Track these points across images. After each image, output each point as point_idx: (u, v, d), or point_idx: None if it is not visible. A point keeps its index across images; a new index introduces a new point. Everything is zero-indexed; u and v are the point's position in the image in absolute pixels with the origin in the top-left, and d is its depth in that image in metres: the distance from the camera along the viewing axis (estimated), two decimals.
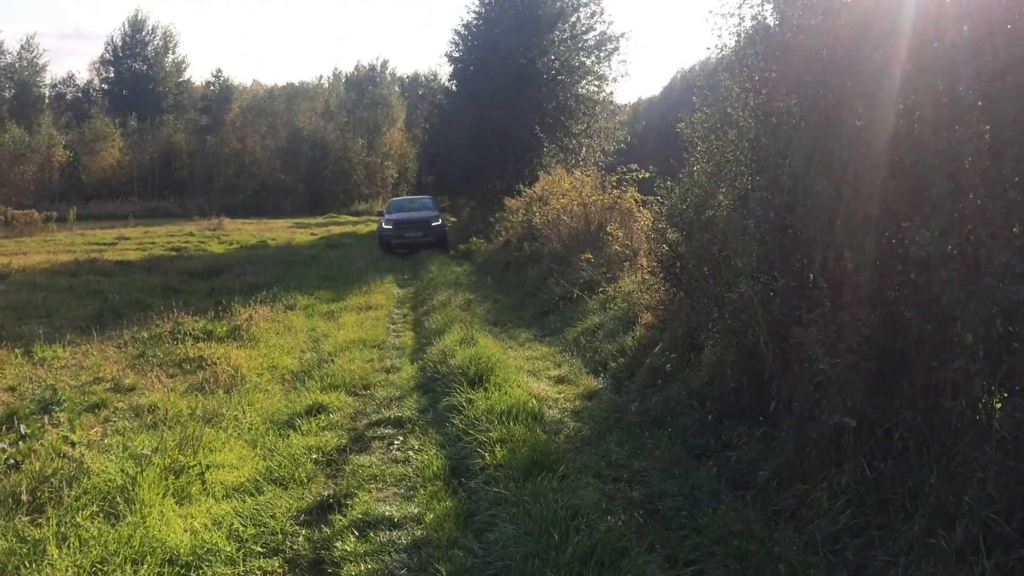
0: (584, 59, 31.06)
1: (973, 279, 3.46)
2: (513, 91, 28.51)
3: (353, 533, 4.32)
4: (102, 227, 34.07)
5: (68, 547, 4.09)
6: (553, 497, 4.04)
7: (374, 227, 30.13)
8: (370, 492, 4.97)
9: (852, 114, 4.43)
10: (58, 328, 10.65)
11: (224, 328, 10.43)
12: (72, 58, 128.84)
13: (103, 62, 66.76)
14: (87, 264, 18.28)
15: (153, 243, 25.39)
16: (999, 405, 3.44)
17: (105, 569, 3.90)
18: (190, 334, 10.04)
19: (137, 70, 65.64)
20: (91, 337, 10.00)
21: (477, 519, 4.29)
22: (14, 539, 4.18)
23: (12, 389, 7.75)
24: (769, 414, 4.85)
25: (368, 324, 11.25)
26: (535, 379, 7.58)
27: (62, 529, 4.30)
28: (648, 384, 6.51)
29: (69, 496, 4.69)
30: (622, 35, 30.74)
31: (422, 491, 4.83)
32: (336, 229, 35.01)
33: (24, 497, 4.64)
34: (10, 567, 3.86)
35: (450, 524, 4.23)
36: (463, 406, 6.15)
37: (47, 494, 4.73)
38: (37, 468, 5.02)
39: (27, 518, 4.47)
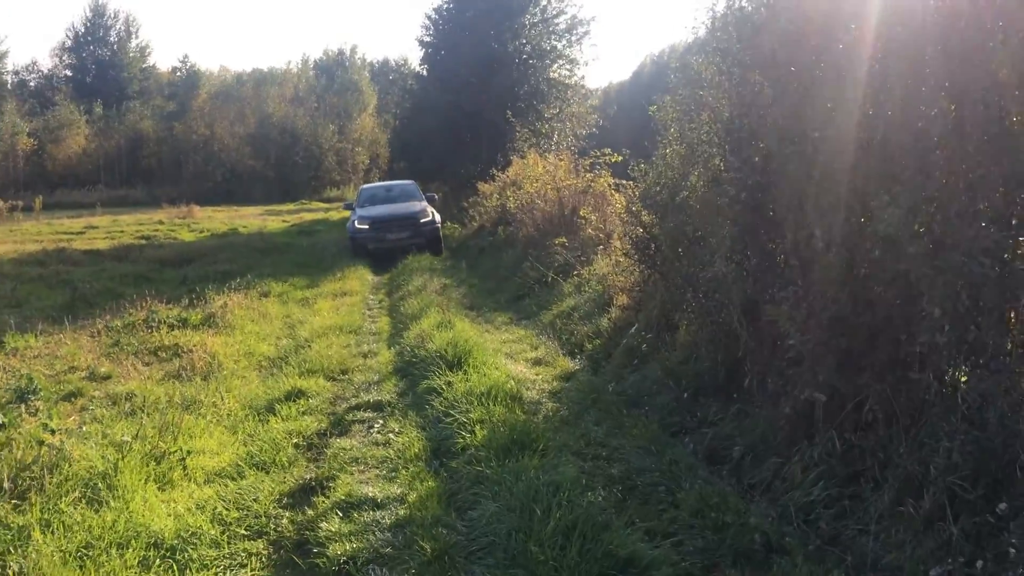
0: (555, 43, 31.09)
1: (940, 255, 3.57)
2: (485, 75, 28.45)
3: (337, 514, 4.37)
4: (69, 216, 33.53)
5: (52, 532, 4.11)
6: (534, 474, 4.12)
7: (347, 214, 26.79)
8: (352, 474, 5.02)
9: (823, 95, 4.52)
10: (29, 318, 10.50)
11: (199, 316, 10.39)
12: (31, 45, 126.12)
13: (64, 48, 65.58)
14: (56, 253, 18.04)
15: (122, 232, 25.05)
16: (964, 378, 3.56)
17: (91, 554, 3.92)
18: (164, 322, 9.99)
19: (100, 56, 64.52)
20: (63, 327, 9.89)
21: (460, 498, 4.36)
22: None
23: None
24: (743, 391, 4.96)
25: (344, 310, 11.25)
26: (513, 361, 7.65)
27: (45, 515, 4.31)
28: (624, 364, 6.61)
29: (51, 483, 4.69)
30: (592, 19, 31.01)
31: (404, 472, 4.90)
32: (308, 216, 34.76)
33: (6, 485, 4.63)
34: None
35: (433, 503, 4.29)
36: (442, 388, 6.21)
37: (28, 481, 4.72)
38: (18, 456, 5.01)
39: (9, 505, 4.48)
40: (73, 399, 7.06)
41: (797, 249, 4.54)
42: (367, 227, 17.76)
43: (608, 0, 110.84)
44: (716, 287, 5.23)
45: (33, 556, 3.80)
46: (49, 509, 4.39)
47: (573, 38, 31.11)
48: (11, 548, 3.95)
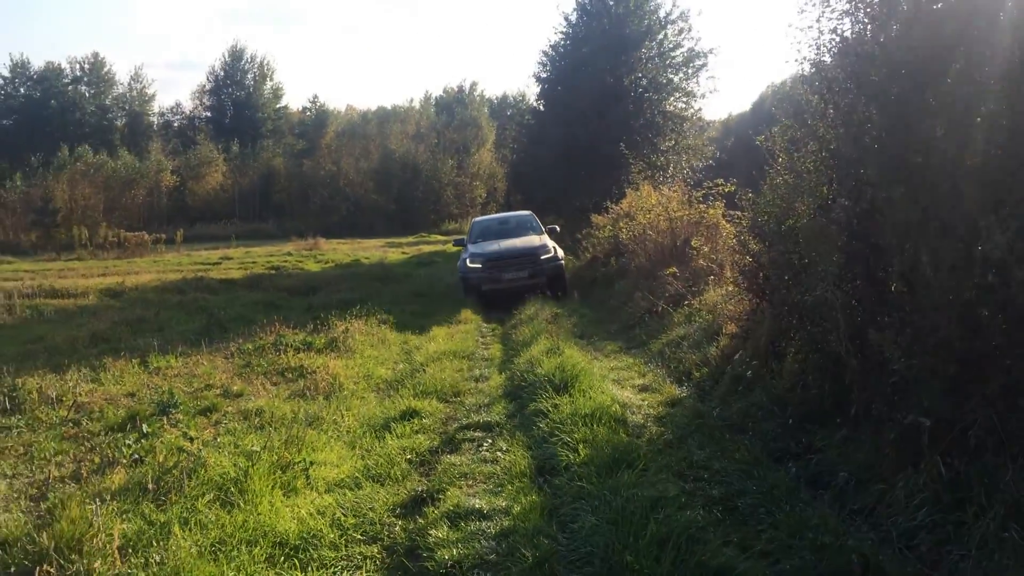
0: (672, 76, 31.11)
1: None
2: (600, 109, 28.74)
3: (445, 523, 4.60)
4: (206, 248, 35.74)
5: (190, 529, 4.51)
6: (633, 491, 4.24)
7: (459, 250, 26.51)
8: (460, 488, 5.25)
9: (932, 124, 4.52)
10: (170, 341, 11.29)
11: (322, 340, 10.97)
12: (177, 87, 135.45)
13: (205, 91, 70.19)
14: (194, 282, 19.30)
15: (254, 262, 26.47)
16: None
17: (224, 549, 4.29)
18: (291, 346, 10.61)
19: (237, 97, 68.82)
20: (200, 349, 10.63)
21: (561, 512, 4.53)
22: (143, 522, 4.62)
23: (132, 395, 8.37)
24: (849, 418, 4.93)
25: (458, 337, 11.61)
26: (619, 387, 7.76)
27: (183, 514, 4.73)
28: (730, 391, 6.62)
29: (189, 486, 5.14)
30: (710, 51, 30.72)
31: (509, 487, 5.10)
32: (426, 248, 35.79)
33: (150, 486, 5.10)
34: (141, 544, 4.29)
35: (535, 515, 4.47)
36: (549, 411, 6.40)
37: (169, 484, 5.19)
38: (160, 460, 5.51)
39: (152, 504, 4.94)
40: (208, 414, 7.61)
41: (904, 275, 4.52)
42: (479, 266, 15.84)
43: (729, 31, 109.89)
44: (823, 314, 5.23)
45: (173, 549, 4.19)
46: (187, 509, 4.82)
47: (690, 71, 31.10)
48: (153, 542, 4.36)
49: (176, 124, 71.09)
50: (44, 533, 4.34)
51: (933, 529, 3.78)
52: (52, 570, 3.97)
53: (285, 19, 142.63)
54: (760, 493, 4.62)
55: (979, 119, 4.22)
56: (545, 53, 33.42)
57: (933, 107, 4.45)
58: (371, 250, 33.65)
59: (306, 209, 52.65)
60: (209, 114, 69.73)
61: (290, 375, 9.32)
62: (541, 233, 17.39)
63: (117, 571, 3.99)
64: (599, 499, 4.34)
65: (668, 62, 31.05)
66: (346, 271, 23.31)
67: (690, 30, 30.79)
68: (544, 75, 33.67)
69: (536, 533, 4.20)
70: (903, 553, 3.69)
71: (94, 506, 4.58)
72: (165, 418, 7.02)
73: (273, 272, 23.03)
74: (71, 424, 7.21)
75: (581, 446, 5.28)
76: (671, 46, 31.00)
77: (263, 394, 8.40)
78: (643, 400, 7.26)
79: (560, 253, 16.57)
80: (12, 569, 4.12)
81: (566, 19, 32.38)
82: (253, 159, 57.79)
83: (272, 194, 55.94)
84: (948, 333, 4.10)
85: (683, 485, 4.78)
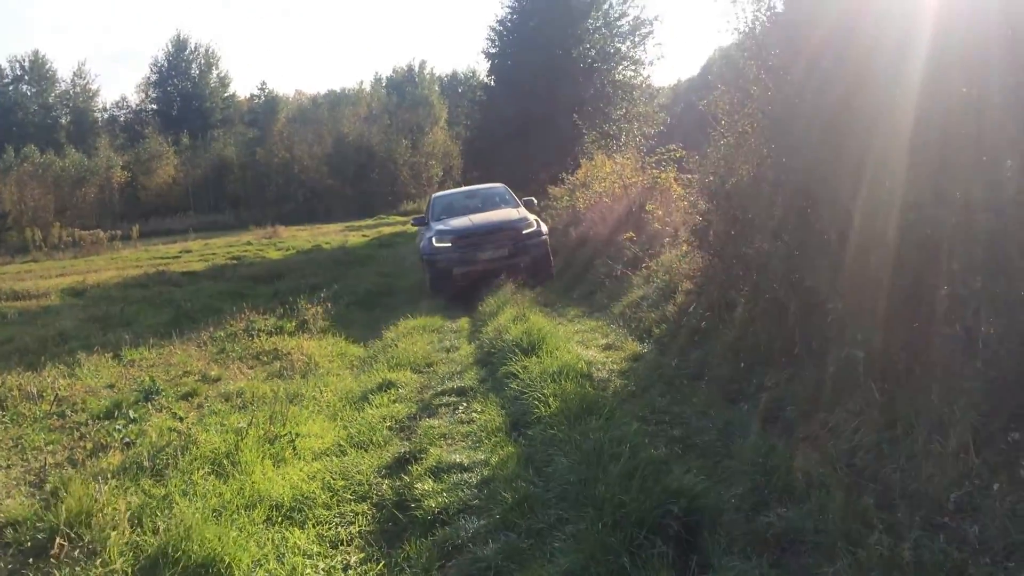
0: (619, 45, 31.53)
1: (962, 216, 3.96)
2: (551, 82, 29.04)
3: (429, 477, 4.96)
4: (164, 242, 35.44)
5: (191, 499, 4.81)
6: (601, 434, 4.64)
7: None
8: (440, 447, 5.60)
9: (850, 83, 4.95)
10: (140, 334, 11.37)
11: (293, 324, 11.22)
12: (120, 80, 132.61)
13: (150, 83, 69.00)
14: (157, 276, 19.22)
15: (214, 254, 26.36)
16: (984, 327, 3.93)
17: (224, 513, 4.59)
18: (263, 331, 10.84)
19: (183, 88, 67.76)
20: (172, 340, 10.77)
21: (536, 458, 4.91)
22: (144, 496, 4.91)
23: (111, 386, 8.56)
24: (794, 357, 5.37)
25: (426, 312, 11.92)
26: (584, 347, 8.16)
27: (182, 487, 5.02)
28: (688, 343, 7.05)
29: (184, 461, 5.43)
30: (655, 18, 31.21)
31: (487, 442, 5.47)
32: (386, 230, 35.83)
33: (146, 464, 5.39)
34: (146, 515, 4.58)
35: (513, 464, 4.85)
36: (519, 372, 6.77)
37: (165, 461, 5.48)
38: (153, 439, 5.79)
39: (151, 480, 5.22)
40: (190, 398, 7.86)
41: (835, 223, 4.95)
42: (448, 245, 13.05)
43: None
44: (764, 264, 5.65)
45: (178, 516, 4.49)
46: (185, 482, 5.11)
47: (637, 39, 31.52)
48: (158, 512, 4.65)
49: (122, 119, 69.91)
50: (51, 512, 4.62)
51: (870, 448, 4.21)
52: (66, 544, 4.26)
53: (228, 2, 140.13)
54: (716, 430, 5.06)
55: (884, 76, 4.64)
56: (493, 29, 33.60)
57: (850, 70, 4.85)
58: (331, 235, 33.63)
59: (262, 198, 52.32)
60: (155, 107, 68.66)
61: (265, 358, 9.57)
62: (518, 206, 14.80)
63: (128, 539, 4.28)
64: (570, 444, 4.73)
65: (615, 31, 31.45)
66: (308, 257, 23.40)
67: None
68: (494, 51, 33.84)
69: (514, 478, 4.57)
70: (843, 470, 4.12)
71: (97, 485, 4.85)
72: (149, 404, 7.27)
73: (235, 262, 23.01)
74: (56, 416, 7.39)
75: (551, 399, 5.67)
76: (617, 15, 31.41)
77: (241, 377, 8.65)
78: (607, 357, 7.67)
79: (544, 228, 13.91)
80: (28, 545, 4.39)
81: None
82: (204, 150, 57.15)
83: (226, 185, 55.43)
84: (876, 273, 4.52)
85: (647, 428, 5.19)
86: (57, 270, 23.81)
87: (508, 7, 32.75)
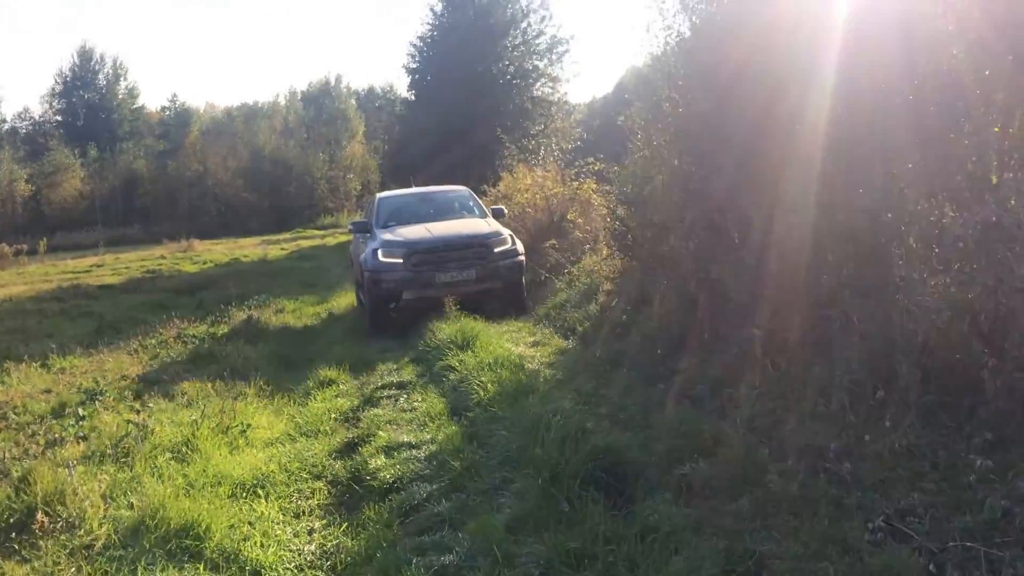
0: (537, 62, 32.54)
1: (831, 216, 4.71)
2: (471, 97, 29.76)
3: (381, 454, 5.46)
4: (72, 256, 34.39)
5: (158, 480, 5.17)
6: (536, 410, 5.21)
7: (343, 239, 22.34)
8: (387, 431, 6.09)
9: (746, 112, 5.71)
10: (64, 345, 11.16)
11: (225, 330, 11.45)
12: (23, 90, 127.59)
13: (54, 94, 66.79)
14: (71, 289, 18.75)
15: (127, 268, 25.83)
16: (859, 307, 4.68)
17: (192, 490, 4.98)
18: (195, 337, 11.05)
19: (90, 100, 65.79)
20: (99, 349, 10.83)
21: (479, 434, 5.46)
22: (111, 478, 5.24)
23: (48, 391, 8.67)
24: (703, 342, 6.08)
25: (356, 319, 12.32)
26: (514, 344, 8.74)
27: (148, 470, 5.37)
28: (610, 337, 7.72)
29: (145, 449, 5.76)
30: (571, 37, 32.42)
31: (431, 424, 6.00)
32: (305, 243, 35.75)
33: (109, 452, 5.71)
34: (118, 493, 4.93)
35: (457, 439, 5.40)
36: (456, 365, 7.31)
37: (127, 448, 5.80)
38: (113, 430, 6.09)
39: (115, 466, 5.55)
40: (134, 398, 8.09)
41: (737, 224, 5.68)
42: (398, 261, 10.50)
43: (589, 17, 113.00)
44: (677, 262, 6.36)
45: (149, 492, 4.86)
46: (149, 466, 5.46)
47: (554, 57, 32.60)
48: (128, 491, 5.01)
49: (23, 130, 67.37)
50: (25, 493, 4.92)
51: (767, 414, 4.92)
52: (46, 520, 4.59)
53: (137, 13, 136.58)
54: (637, 408, 5.71)
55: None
56: (414, 44, 34.20)
57: (746, 90, 5.61)
58: (249, 248, 33.34)
59: (174, 212, 51.20)
60: (60, 118, 66.44)
61: (202, 362, 9.80)
62: (485, 216, 12.25)
63: (105, 514, 4.63)
64: (509, 419, 5.30)
65: (533, 49, 32.46)
66: (227, 269, 23.28)
67: (551, 18, 32.36)
68: (414, 66, 34.42)
69: (459, 451, 5.12)
70: (746, 432, 4.80)
71: (65, 470, 5.16)
72: (96, 403, 7.51)
73: (151, 275, 22.69)
74: None
75: (490, 384, 6.23)
76: (535, 34, 32.42)
77: (181, 379, 8.90)
78: (536, 352, 8.28)
79: (519, 246, 11.29)
80: (9, 522, 4.68)
81: (432, 10, 33.24)
82: (113, 163, 55.63)
83: (136, 198, 54.00)
84: (771, 266, 5.26)
85: (577, 407, 5.80)
86: None
87: (429, 24, 33.50)
